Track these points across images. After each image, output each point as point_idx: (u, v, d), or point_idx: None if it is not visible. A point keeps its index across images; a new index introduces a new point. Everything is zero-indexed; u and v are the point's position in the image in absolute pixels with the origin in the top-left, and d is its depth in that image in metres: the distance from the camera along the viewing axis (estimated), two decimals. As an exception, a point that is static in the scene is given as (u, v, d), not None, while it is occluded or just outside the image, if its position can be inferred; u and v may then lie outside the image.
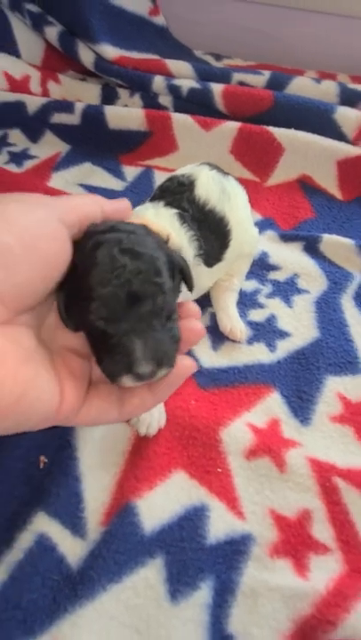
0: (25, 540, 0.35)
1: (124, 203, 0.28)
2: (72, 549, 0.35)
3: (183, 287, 0.30)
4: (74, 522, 0.36)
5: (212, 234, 0.43)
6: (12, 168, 0.66)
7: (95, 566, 0.34)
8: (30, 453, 0.39)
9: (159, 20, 0.77)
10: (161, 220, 0.38)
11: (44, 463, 0.39)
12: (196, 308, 0.29)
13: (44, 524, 0.35)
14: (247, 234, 0.48)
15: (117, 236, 0.25)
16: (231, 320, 0.47)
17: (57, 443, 0.40)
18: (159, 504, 0.37)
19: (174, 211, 0.39)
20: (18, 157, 0.68)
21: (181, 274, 0.29)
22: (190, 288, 0.30)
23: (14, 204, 0.24)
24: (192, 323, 0.28)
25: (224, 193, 0.44)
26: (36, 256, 0.23)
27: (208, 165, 0.46)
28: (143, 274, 0.24)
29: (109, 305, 0.24)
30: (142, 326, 0.24)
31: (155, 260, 0.25)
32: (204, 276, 0.44)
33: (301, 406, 0.43)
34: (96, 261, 0.24)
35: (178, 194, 0.41)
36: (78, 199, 0.27)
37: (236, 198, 0.46)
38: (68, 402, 0.24)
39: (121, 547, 0.34)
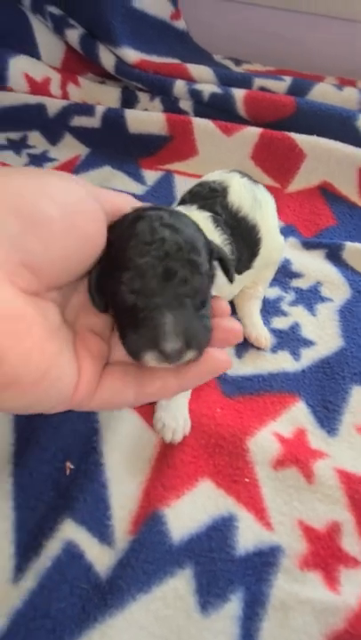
0: (53, 548, 0.34)
1: (151, 206, 0.28)
2: (100, 558, 0.35)
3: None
4: (101, 530, 0.36)
5: (244, 241, 0.42)
6: (33, 170, 0.66)
7: (124, 576, 0.33)
8: (56, 458, 0.39)
9: (180, 24, 0.77)
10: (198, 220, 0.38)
11: (69, 469, 0.38)
12: (226, 305, 0.27)
13: (71, 532, 0.35)
14: (275, 242, 0.48)
15: (159, 213, 0.25)
16: (256, 327, 0.47)
17: (82, 448, 0.39)
18: (187, 513, 0.36)
19: (208, 214, 0.39)
20: (37, 160, 0.68)
21: (221, 262, 0.28)
22: (231, 279, 0.29)
23: (56, 179, 0.23)
24: (230, 322, 0.26)
25: (256, 201, 0.44)
26: (75, 234, 0.22)
27: (238, 173, 0.46)
28: (182, 250, 0.23)
29: (144, 276, 0.23)
30: (175, 303, 0.23)
31: (195, 240, 0.24)
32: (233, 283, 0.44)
33: (328, 416, 0.43)
34: (135, 232, 0.24)
35: (210, 199, 0.41)
36: (113, 193, 0.27)
37: (267, 206, 0.46)
38: (85, 384, 0.23)
39: (150, 556, 0.34)
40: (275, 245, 0.48)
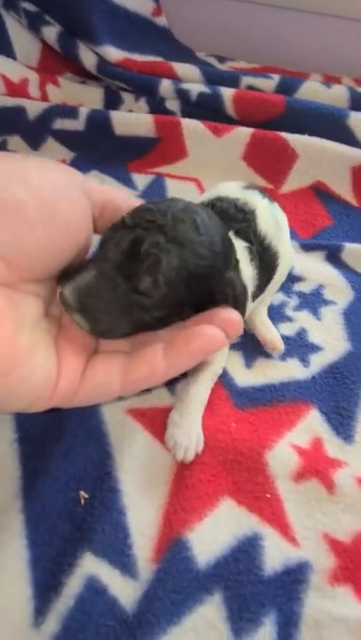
0: (74, 585, 0.33)
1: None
2: (123, 590, 0.33)
3: None
4: (122, 560, 0.34)
5: (265, 269, 0.40)
6: (16, 177, 0.63)
7: (152, 608, 0.32)
8: (69, 487, 0.37)
9: (161, 20, 0.74)
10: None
11: (84, 499, 0.37)
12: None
13: (91, 565, 0.33)
14: (289, 262, 0.46)
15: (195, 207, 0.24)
16: (271, 331, 0.46)
17: (96, 474, 0.38)
18: (211, 536, 0.35)
19: (245, 244, 0.36)
20: (20, 165, 0.64)
21: (233, 301, 0.26)
22: (240, 311, 0.27)
23: (33, 163, 0.22)
24: (229, 312, 0.24)
25: (277, 225, 0.42)
26: (54, 222, 0.21)
27: (257, 190, 0.43)
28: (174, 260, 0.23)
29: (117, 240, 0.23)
30: (109, 277, 0.22)
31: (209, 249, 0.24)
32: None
33: (342, 423, 0.42)
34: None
35: (242, 222, 0.37)
36: (106, 186, 0.25)
37: (284, 229, 0.44)
38: (66, 381, 0.22)
39: (177, 585, 0.33)
40: (287, 264, 0.46)
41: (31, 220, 0.20)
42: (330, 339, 0.48)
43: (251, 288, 0.38)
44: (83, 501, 0.36)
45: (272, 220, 0.42)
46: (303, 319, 0.50)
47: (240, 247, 0.35)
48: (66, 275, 0.23)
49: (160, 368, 0.23)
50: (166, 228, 0.23)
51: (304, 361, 0.46)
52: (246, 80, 0.69)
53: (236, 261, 0.29)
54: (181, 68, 0.69)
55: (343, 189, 0.63)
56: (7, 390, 0.20)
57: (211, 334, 0.23)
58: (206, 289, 0.25)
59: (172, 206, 0.24)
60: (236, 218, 0.38)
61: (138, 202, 0.26)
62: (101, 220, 0.25)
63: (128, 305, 0.23)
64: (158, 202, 0.25)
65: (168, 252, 0.23)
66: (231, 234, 0.35)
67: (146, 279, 0.22)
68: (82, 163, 0.66)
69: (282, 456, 0.39)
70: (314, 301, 0.52)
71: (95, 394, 0.23)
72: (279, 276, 0.45)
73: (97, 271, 0.22)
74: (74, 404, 0.23)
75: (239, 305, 0.26)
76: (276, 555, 0.35)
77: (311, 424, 0.42)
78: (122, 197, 0.26)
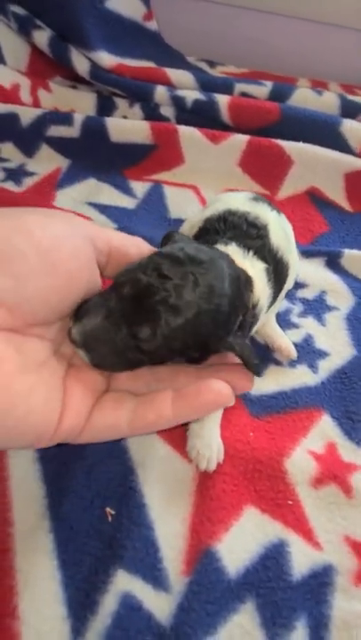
0: (109, 603, 0.33)
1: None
2: (158, 605, 0.33)
3: None
4: (154, 575, 0.35)
5: (277, 282, 0.40)
6: (12, 187, 0.61)
7: (188, 620, 0.33)
8: (94, 505, 0.37)
9: (152, 25, 0.74)
10: (255, 274, 0.35)
11: (110, 515, 0.37)
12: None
13: (125, 582, 0.34)
14: (296, 270, 0.47)
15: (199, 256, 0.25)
16: (284, 337, 0.47)
17: (120, 490, 0.38)
18: (239, 545, 0.36)
19: (264, 265, 0.36)
20: (15, 174, 0.63)
21: (243, 361, 0.27)
22: (258, 374, 0.27)
23: (34, 216, 0.23)
24: (244, 373, 0.26)
25: (287, 238, 0.43)
26: (55, 271, 0.22)
27: (266, 203, 0.43)
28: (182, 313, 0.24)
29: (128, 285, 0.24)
30: (113, 320, 0.24)
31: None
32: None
33: (354, 427, 0.44)
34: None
35: (255, 238, 0.37)
36: (117, 233, 0.26)
37: (292, 240, 0.45)
38: (71, 419, 0.23)
39: (210, 596, 0.34)
40: (296, 273, 0.47)
41: (33, 269, 0.21)
42: (335, 344, 0.50)
43: (265, 308, 0.38)
44: (110, 518, 0.37)
45: (282, 233, 0.42)
46: (308, 325, 0.51)
47: (259, 269, 0.36)
48: (79, 310, 0.24)
49: (167, 416, 0.24)
50: (179, 288, 0.24)
51: (313, 367, 0.48)
52: (240, 87, 0.70)
53: (251, 290, 0.30)
54: (175, 75, 0.69)
55: (337, 195, 0.65)
56: (7, 430, 0.21)
57: (218, 390, 0.24)
58: (205, 347, 0.26)
59: (195, 265, 0.25)
60: (250, 234, 0.38)
61: (148, 249, 0.27)
62: (109, 267, 0.26)
63: (127, 346, 0.24)
64: (185, 251, 0.25)
65: (172, 312, 0.24)
66: (250, 255, 0.36)
67: (145, 330, 0.24)
68: (78, 170, 0.65)
69: (300, 463, 0.40)
70: (317, 307, 0.53)
71: (103, 434, 0.24)
72: (288, 285, 0.47)
73: (104, 314, 0.24)
74: (80, 442, 0.24)
75: (249, 366, 0.26)
76: (302, 560, 0.36)
77: (324, 429, 0.43)
78: (132, 245, 0.26)
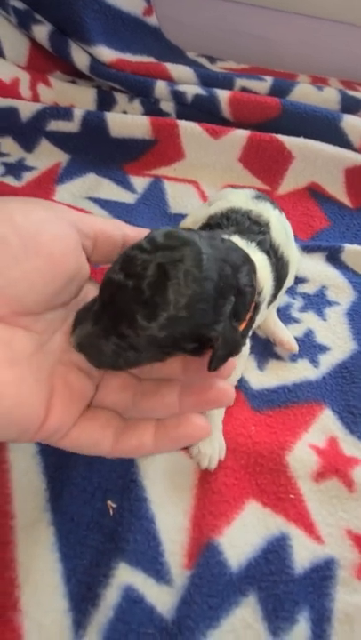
0: (111, 596, 0.33)
1: (147, 231, 0.27)
2: (160, 598, 0.33)
3: None
4: (156, 568, 0.34)
5: (278, 277, 0.40)
6: (11, 181, 0.61)
7: (191, 614, 0.32)
8: (96, 497, 0.37)
9: (152, 20, 0.74)
10: (258, 261, 0.34)
11: (112, 509, 0.37)
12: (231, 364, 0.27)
13: (127, 575, 0.34)
14: (296, 266, 0.47)
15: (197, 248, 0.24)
16: (285, 331, 0.47)
17: (121, 483, 0.38)
18: (241, 538, 0.36)
19: (265, 255, 0.37)
20: (15, 169, 0.63)
21: (225, 351, 0.25)
22: (210, 367, 0.25)
23: (15, 203, 0.23)
24: (223, 383, 0.26)
25: (287, 235, 0.43)
26: (39, 256, 0.22)
27: (268, 201, 0.43)
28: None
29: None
30: (100, 319, 0.24)
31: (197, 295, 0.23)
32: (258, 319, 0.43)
33: (355, 421, 0.44)
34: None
35: (258, 234, 0.38)
36: (98, 218, 0.26)
37: (291, 237, 0.45)
38: (56, 419, 0.23)
39: (212, 589, 0.34)
40: (295, 269, 0.47)
41: (15, 254, 0.21)
42: (336, 339, 0.50)
43: (268, 297, 0.39)
44: (112, 511, 0.36)
45: (283, 230, 0.43)
46: (309, 320, 0.51)
47: (261, 258, 0.36)
48: (77, 319, 0.25)
49: (148, 445, 0.25)
50: (150, 283, 0.23)
51: (314, 361, 0.48)
52: (240, 82, 0.70)
53: (254, 271, 0.29)
54: (175, 70, 0.69)
55: (337, 190, 0.65)
56: None
57: (197, 424, 0.25)
58: (198, 336, 0.25)
59: (166, 253, 0.23)
60: (253, 230, 0.38)
61: (131, 230, 0.27)
62: (96, 251, 0.26)
63: (120, 347, 0.25)
64: (155, 242, 0.24)
65: (147, 309, 0.23)
66: (253, 246, 0.36)
67: (127, 330, 0.24)
68: (78, 165, 0.65)
69: (302, 457, 0.40)
70: (318, 302, 0.53)
71: (85, 447, 0.25)
72: (288, 282, 0.47)
73: (92, 321, 0.24)
74: (60, 446, 0.24)
75: (213, 354, 0.25)
76: (303, 553, 0.36)
77: (325, 424, 0.43)
78: (114, 227, 0.26)
